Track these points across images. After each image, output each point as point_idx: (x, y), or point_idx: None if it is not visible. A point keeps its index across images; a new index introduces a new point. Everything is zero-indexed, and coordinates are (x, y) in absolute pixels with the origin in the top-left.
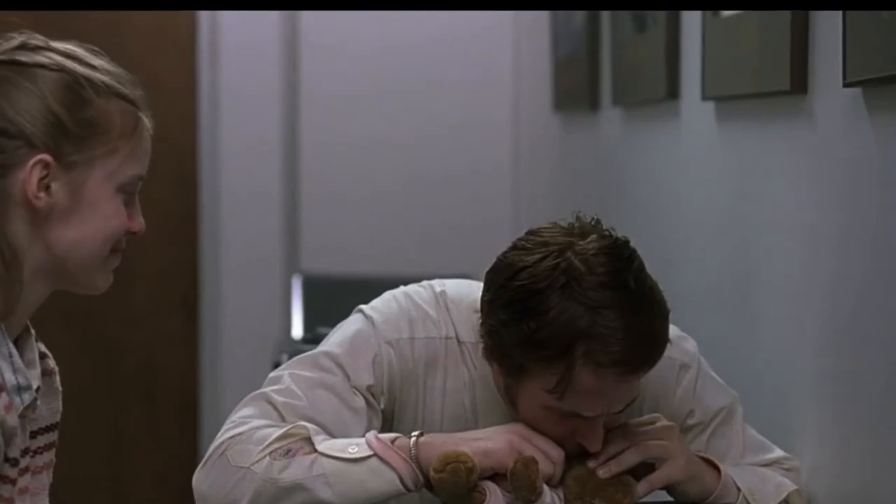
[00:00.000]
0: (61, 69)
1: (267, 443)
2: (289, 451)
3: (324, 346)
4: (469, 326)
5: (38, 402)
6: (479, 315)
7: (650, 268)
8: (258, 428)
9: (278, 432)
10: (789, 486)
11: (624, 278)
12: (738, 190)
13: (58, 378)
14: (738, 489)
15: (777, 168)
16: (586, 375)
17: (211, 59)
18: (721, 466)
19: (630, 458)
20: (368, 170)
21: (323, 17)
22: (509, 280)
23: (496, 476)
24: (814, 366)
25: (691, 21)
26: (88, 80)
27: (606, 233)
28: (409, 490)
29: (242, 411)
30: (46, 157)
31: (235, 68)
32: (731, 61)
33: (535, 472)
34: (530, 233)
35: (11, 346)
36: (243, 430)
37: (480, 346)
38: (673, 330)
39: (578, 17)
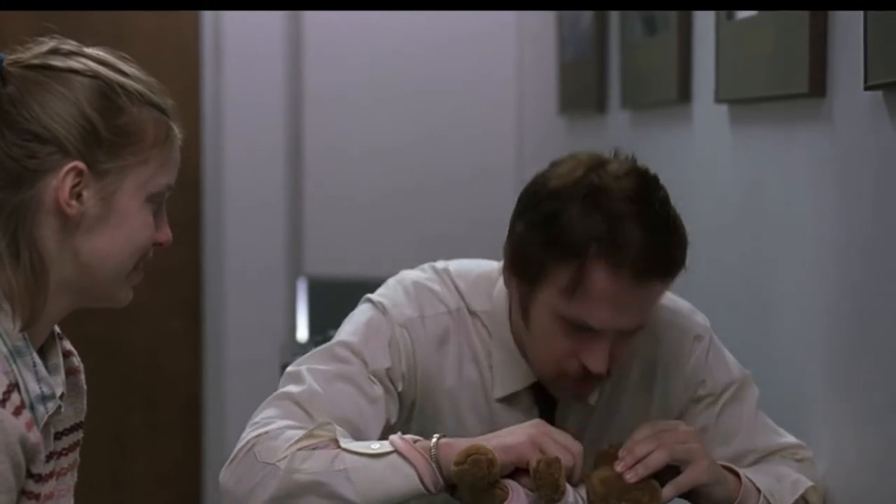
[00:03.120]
0: (95, 75)
1: (294, 440)
2: (315, 448)
3: (339, 337)
4: (480, 294)
5: (63, 409)
6: (491, 281)
7: None
8: (285, 428)
9: (297, 436)
10: (805, 482)
11: (650, 198)
12: (753, 195)
13: (82, 377)
14: (759, 491)
15: (794, 173)
16: (599, 276)
17: (214, 62)
18: (740, 471)
19: (657, 460)
20: (372, 172)
21: (326, 20)
22: (538, 189)
23: (519, 476)
24: (828, 368)
25: (703, 23)
26: (122, 87)
27: (640, 165)
28: (428, 490)
29: (266, 412)
30: (80, 164)
31: (239, 71)
32: (746, 63)
33: (558, 471)
34: (567, 156)
35: (35, 355)
36: (270, 428)
37: (500, 306)
38: (685, 304)
39: (586, 19)
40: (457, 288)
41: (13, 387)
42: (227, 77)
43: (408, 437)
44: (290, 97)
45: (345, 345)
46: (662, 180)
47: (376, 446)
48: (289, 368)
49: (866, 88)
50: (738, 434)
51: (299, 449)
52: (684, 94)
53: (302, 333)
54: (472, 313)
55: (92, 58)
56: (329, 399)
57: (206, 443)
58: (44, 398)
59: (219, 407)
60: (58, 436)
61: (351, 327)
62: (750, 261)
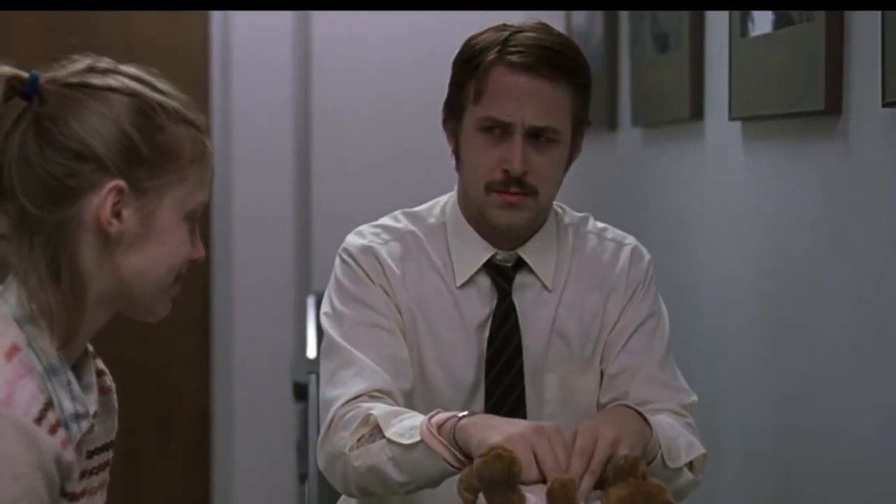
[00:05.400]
0: (133, 93)
1: (353, 428)
2: (371, 436)
3: (332, 298)
4: (430, 215)
5: (95, 428)
6: (441, 200)
7: (674, 292)
8: (348, 407)
9: (359, 419)
10: (698, 448)
11: (552, 31)
12: (767, 214)
13: (114, 396)
14: (660, 446)
15: (809, 192)
16: (497, 73)
17: (223, 79)
18: (650, 420)
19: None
20: (381, 188)
21: (335, 34)
22: (460, 53)
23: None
24: (846, 382)
25: (716, 41)
26: (160, 104)
27: None
28: (457, 469)
29: (329, 390)
30: (122, 183)
31: (247, 87)
32: (760, 81)
33: (572, 492)
34: None
35: (70, 373)
36: (337, 408)
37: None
38: (631, 237)
39: (596, 36)
40: (408, 217)
41: (49, 405)
42: (236, 93)
43: (437, 418)
44: (299, 113)
45: (342, 300)
46: (674, 199)
47: (409, 435)
48: (324, 340)
49: (884, 105)
50: (646, 360)
51: (359, 438)
52: (697, 111)
53: (311, 350)
54: (427, 230)
55: (128, 75)
56: (366, 355)
57: (215, 459)
58: (77, 417)
59: (228, 423)
60: (89, 455)
61: (333, 286)
62: (764, 280)
